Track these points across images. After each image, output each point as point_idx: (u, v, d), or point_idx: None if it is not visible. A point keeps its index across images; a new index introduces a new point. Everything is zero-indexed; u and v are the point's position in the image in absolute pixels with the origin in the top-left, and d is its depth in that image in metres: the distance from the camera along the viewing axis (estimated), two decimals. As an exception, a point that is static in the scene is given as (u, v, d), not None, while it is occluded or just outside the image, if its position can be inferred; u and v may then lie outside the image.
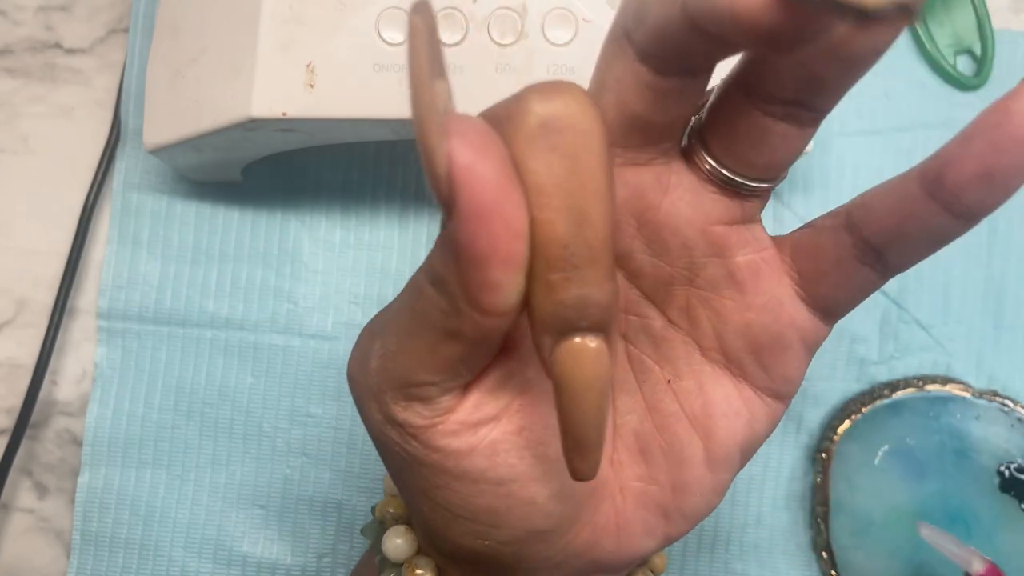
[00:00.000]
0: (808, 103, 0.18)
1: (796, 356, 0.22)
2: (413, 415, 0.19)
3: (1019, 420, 0.39)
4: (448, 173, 0.15)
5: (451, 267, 0.16)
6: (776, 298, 0.21)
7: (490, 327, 0.17)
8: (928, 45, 0.42)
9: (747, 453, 0.23)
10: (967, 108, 0.42)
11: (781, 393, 0.22)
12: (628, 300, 0.22)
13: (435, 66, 0.15)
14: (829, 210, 0.21)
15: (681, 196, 0.20)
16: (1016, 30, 0.43)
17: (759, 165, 0.19)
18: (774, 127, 0.19)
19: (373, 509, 0.26)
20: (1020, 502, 0.38)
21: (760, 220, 0.21)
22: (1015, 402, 0.39)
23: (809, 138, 0.19)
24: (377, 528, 0.25)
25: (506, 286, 0.16)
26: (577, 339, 0.17)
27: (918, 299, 0.42)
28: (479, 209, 0.15)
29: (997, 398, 0.39)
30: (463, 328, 0.17)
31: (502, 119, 0.16)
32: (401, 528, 0.24)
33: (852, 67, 0.17)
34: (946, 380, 0.40)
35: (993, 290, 0.42)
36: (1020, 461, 0.38)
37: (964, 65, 0.43)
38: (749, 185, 0.20)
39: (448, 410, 0.19)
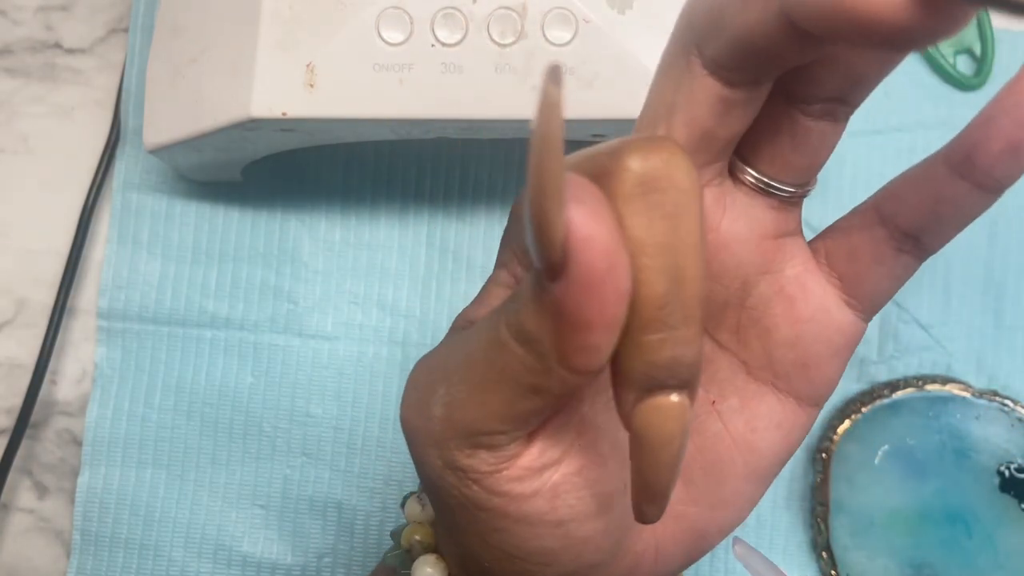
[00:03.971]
0: (847, 99, 0.19)
1: (841, 360, 0.22)
2: (478, 462, 0.19)
3: (1019, 420, 0.39)
4: (564, 241, 0.14)
5: (546, 328, 0.16)
6: (823, 307, 0.21)
7: (576, 384, 0.17)
8: (928, 45, 0.42)
9: (785, 462, 0.23)
10: (967, 108, 0.42)
11: (821, 399, 0.22)
12: None
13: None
14: (849, 210, 0.21)
15: (736, 214, 0.20)
16: (1016, 30, 0.43)
17: (800, 168, 0.20)
18: (814, 126, 0.19)
19: (394, 535, 0.25)
20: (1020, 502, 0.38)
21: (801, 232, 0.22)
22: (1015, 402, 0.39)
23: (841, 133, 0.20)
24: (403, 556, 0.25)
25: (604, 348, 0.16)
26: (661, 396, 0.16)
27: (918, 299, 0.41)
28: (592, 278, 0.15)
29: (997, 398, 0.39)
30: (549, 385, 0.17)
31: (597, 175, 0.16)
32: (431, 558, 0.24)
33: (893, 63, 0.18)
34: (946, 380, 0.40)
35: (993, 290, 0.42)
36: (1020, 461, 0.38)
37: (964, 65, 0.43)
38: (789, 191, 0.21)
39: (514, 456, 0.19)
